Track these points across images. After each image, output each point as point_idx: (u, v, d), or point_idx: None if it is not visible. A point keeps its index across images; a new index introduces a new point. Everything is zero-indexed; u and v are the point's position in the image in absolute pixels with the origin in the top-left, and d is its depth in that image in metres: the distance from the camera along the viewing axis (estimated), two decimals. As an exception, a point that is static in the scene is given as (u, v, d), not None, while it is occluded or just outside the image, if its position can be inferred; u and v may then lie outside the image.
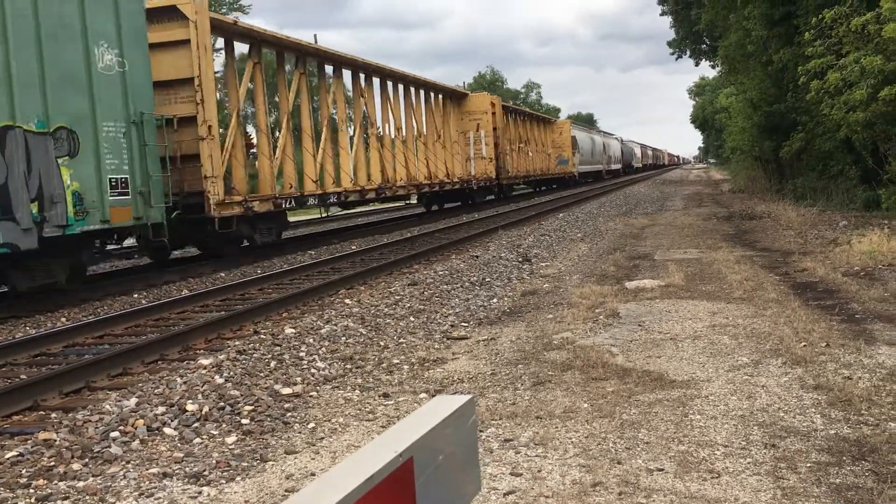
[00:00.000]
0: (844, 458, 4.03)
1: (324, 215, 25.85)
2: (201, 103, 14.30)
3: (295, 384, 5.96)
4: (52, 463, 4.57)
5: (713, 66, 44.80)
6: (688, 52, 44.12)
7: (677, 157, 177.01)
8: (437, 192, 27.98)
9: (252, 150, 19.43)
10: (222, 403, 5.44)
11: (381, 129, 23.96)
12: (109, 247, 13.85)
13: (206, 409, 5.31)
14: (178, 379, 6.00)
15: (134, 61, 12.18)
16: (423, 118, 27.22)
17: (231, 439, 4.89)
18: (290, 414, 5.32)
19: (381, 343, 7.32)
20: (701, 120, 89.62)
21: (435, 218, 25.95)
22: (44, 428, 5.22)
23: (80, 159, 11.05)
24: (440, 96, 29.35)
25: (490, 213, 26.03)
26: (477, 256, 13.31)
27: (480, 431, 4.66)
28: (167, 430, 5.04)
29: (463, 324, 8.16)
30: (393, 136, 24.68)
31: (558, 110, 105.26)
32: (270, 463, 4.48)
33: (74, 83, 11.01)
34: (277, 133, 18.61)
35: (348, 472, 1.48)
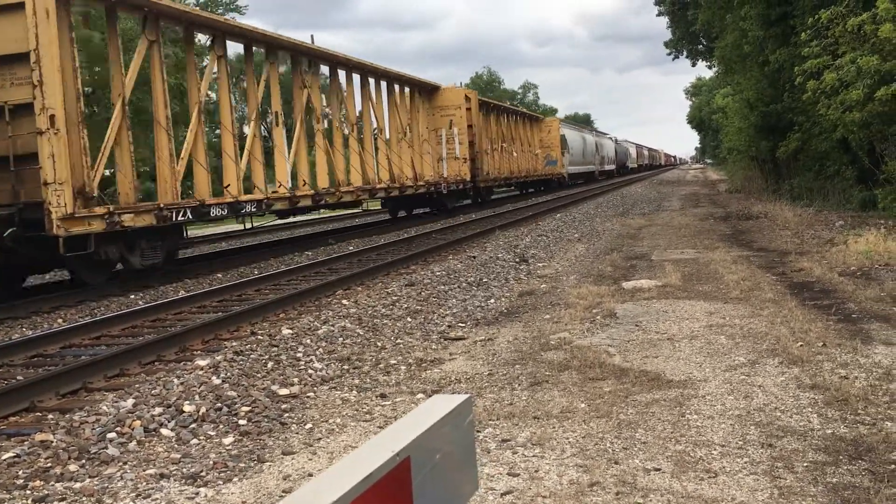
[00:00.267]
0: (841, 457, 4.03)
1: (248, 227, 22.12)
2: (39, 85, 11.08)
3: (292, 385, 5.95)
4: (49, 464, 4.57)
5: (710, 67, 44.84)
6: (684, 53, 44.15)
7: (674, 157, 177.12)
8: (399, 196, 24.51)
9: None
10: (219, 404, 5.43)
11: (328, 125, 20.92)
12: None
13: (203, 409, 5.31)
14: (175, 380, 6.00)
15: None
16: (386, 113, 24.33)
17: (228, 440, 4.88)
18: (287, 415, 5.32)
19: (379, 344, 7.32)
20: (698, 120, 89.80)
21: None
22: (40, 429, 5.21)
23: None
24: (406, 89, 26.10)
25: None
26: (474, 257, 13.32)
27: (478, 432, 4.66)
28: (164, 431, 5.03)
29: (460, 324, 8.16)
30: (347, 133, 21.35)
31: (555, 110, 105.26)
32: (268, 464, 4.47)
33: None
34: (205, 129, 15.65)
35: (345, 471, 1.48)
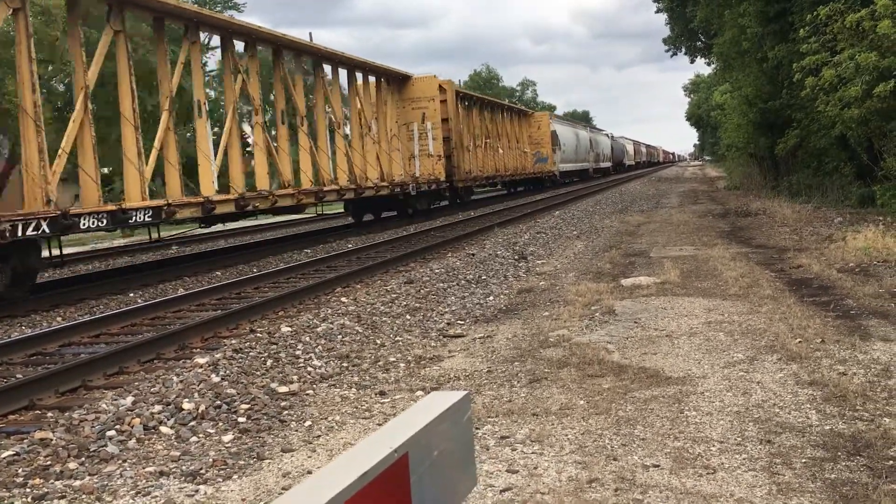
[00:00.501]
0: (839, 453, 4.04)
1: (154, 240, 17.88)
2: None
3: (291, 382, 5.96)
4: (49, 462, 4.57)
5: (708, 64, 44.72)
6: (683, 50, 44.06)
7: (672, 154, 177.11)
8: (358, 199, 21.44)
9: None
10: (219, 402, 5.44)
11: (274, 119, 18.34)
12: None
13: (202, 407, 5.31)
14: (175, 377, 6.00)
15: None
16: (345, 105, 21.98)
17: (228, 438, 4.89)
18: (286, 412, 5.33)
19: (378, 341, 7.32)
20: (696, 117, 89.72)
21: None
22: (40, 427, 5.21)
23: None
24: (372, 78, 23.45)
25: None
26: (473, 254, 13.33)
27: (477, 429, 4.67)
28: (164, 429, 5.04)
29: (459, 322, 8.16)
30: (298, 126, 18.87)
31: (554, 107, 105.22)
32: (267, 461, 4.48)
33: None
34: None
35: (343, 467, 1.49)
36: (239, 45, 17.32)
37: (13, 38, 11.69)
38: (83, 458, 4.62)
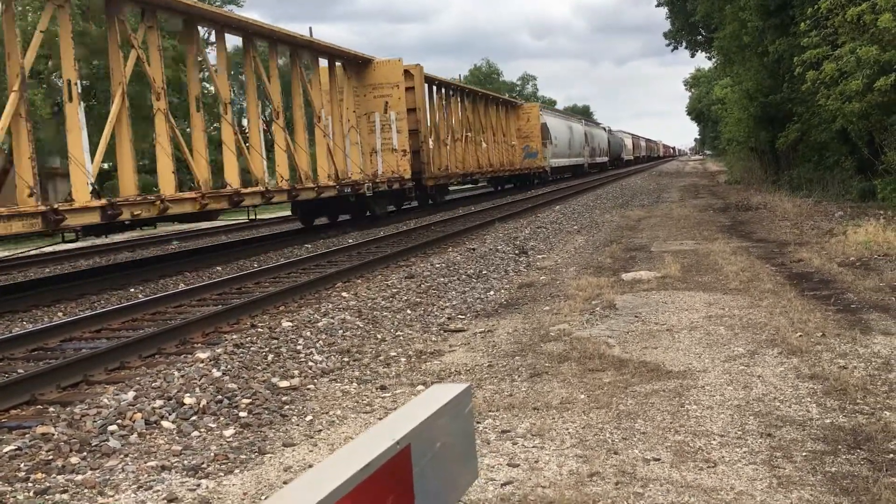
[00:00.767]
0: (840, 446, 4.05)
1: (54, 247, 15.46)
2: None
3: (292, 377, 5.97)
4: (51, 457, 4.58)
5: (709, 58, 44.65)
6: (683, 44, 44.03)
7: (673, 148, 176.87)
8: (306, 201, 18.57)
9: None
10: (220, 397, 5.45)
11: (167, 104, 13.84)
12: None
13: (203, 402, 5.32)
14: (176, 372, 6.01)
15: None
16: (282, 91, 17.88)
17: (229, 432, 4.90)
18: (287, 407, 5.33)
19: (379, 336, 7.33)
20: (697, 111, 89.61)
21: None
22: (42, 422, 5.23)
23: None
24: (323, 61, 20.15)
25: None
26: (474, 249, 13.32)
27: (478, 423, 4.67)
28: (165, 424, 5.04)
29: (460, 316, 8.17)
30: (221, 115, 15.75)
31: (554, 102, 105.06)
32: (269, 455, 4.49)
33: None
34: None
35: (347, 459, 1.49)
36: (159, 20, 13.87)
37: None
38: (85, 453, 4.63)
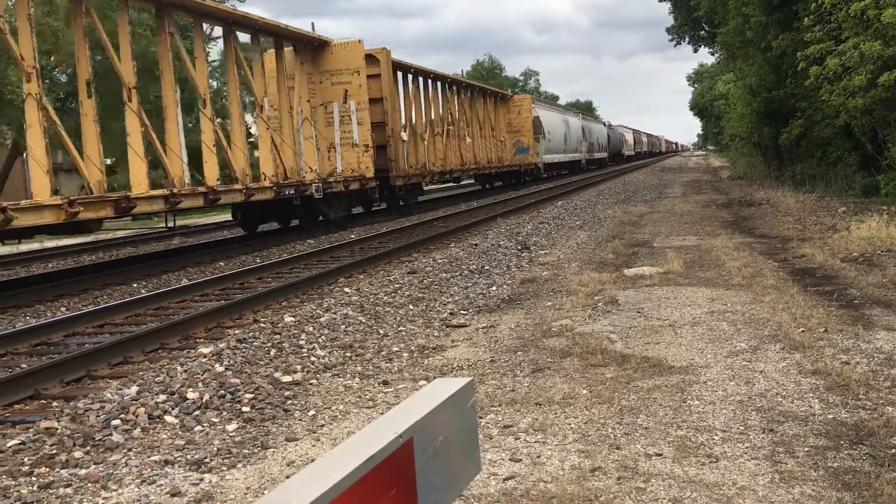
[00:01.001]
0: (842, 442, 4.05)
1: None
2: None
3: (295, 372, 5.98)
4: (54, 451, 4.59)
5: (712, 53, 44.57)
6: (686, 39, 43.94)
7: (675, 143, 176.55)
8: (247, 205, 16.58)
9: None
10: (223, 391, 5.46)
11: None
12: None
13: (206, 397, 5.33)
14: (179, 367, 6.02)
15: None
16: (208, 75, 15.65)
17: (232, 427, 4.91)
18: (290, 401, 5.34)
19: (381, 331, 7.34)
20: (700, 107, 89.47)
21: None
22: (45, 416, 5.24)
23: None
24: (261, 39, 17.26)
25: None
26: (476, 245, 13.33)
27: (480, 418, 4.68)
28: (168, 418, 5.06)
29: (462, 311, 8.17)
30: (126, 102, 12.86)
31: (557, 97, 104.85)
32: (271, 450, 4.50)
33: None
34: None
35: (349, 452, 1.50)
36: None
37: None
38: (88, 447, 4.64)
